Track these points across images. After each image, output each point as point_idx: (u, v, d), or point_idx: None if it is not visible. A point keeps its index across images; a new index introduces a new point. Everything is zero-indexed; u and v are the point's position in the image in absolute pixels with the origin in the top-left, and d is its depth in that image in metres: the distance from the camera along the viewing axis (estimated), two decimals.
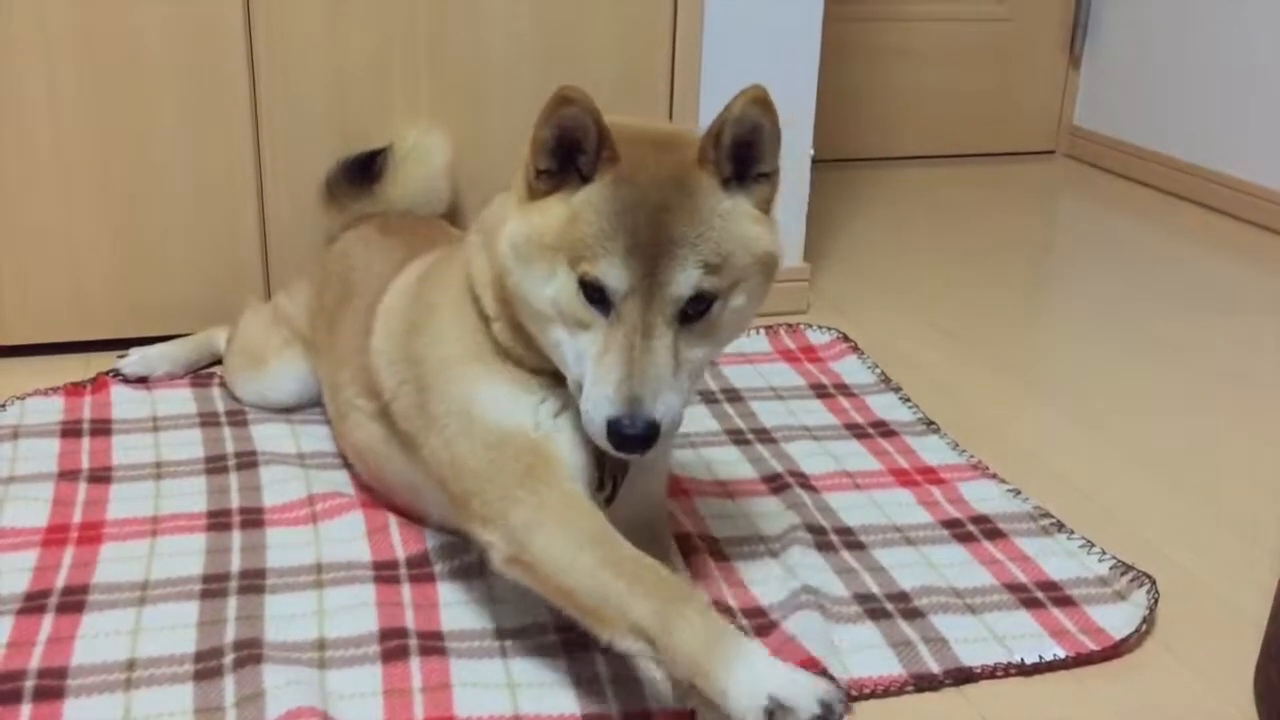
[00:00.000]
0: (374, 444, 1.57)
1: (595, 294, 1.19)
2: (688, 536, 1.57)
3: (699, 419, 1.92)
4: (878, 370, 2.15)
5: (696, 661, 1.11)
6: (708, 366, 1.28)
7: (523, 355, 1.32)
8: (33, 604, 1.40)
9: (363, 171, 2.01)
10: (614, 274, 1.18)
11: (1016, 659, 1.37)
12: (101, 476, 1.69)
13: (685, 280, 1.19)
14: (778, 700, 1.07)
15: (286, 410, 1.88)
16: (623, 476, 1.35)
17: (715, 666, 1.10)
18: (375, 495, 1.65)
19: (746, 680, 1.08)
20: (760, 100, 1.21)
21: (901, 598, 1.47)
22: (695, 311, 1.21)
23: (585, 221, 1.20)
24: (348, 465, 1.74)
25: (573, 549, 1.21)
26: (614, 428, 1.17)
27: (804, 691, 1.08)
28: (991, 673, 1.35)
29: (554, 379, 1.30)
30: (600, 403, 1.17)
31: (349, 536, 1.55)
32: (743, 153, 1.23)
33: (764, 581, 1.49)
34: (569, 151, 1.22)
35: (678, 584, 1.19)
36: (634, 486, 1.38)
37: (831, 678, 1.29)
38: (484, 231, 1.34)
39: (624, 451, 1.19)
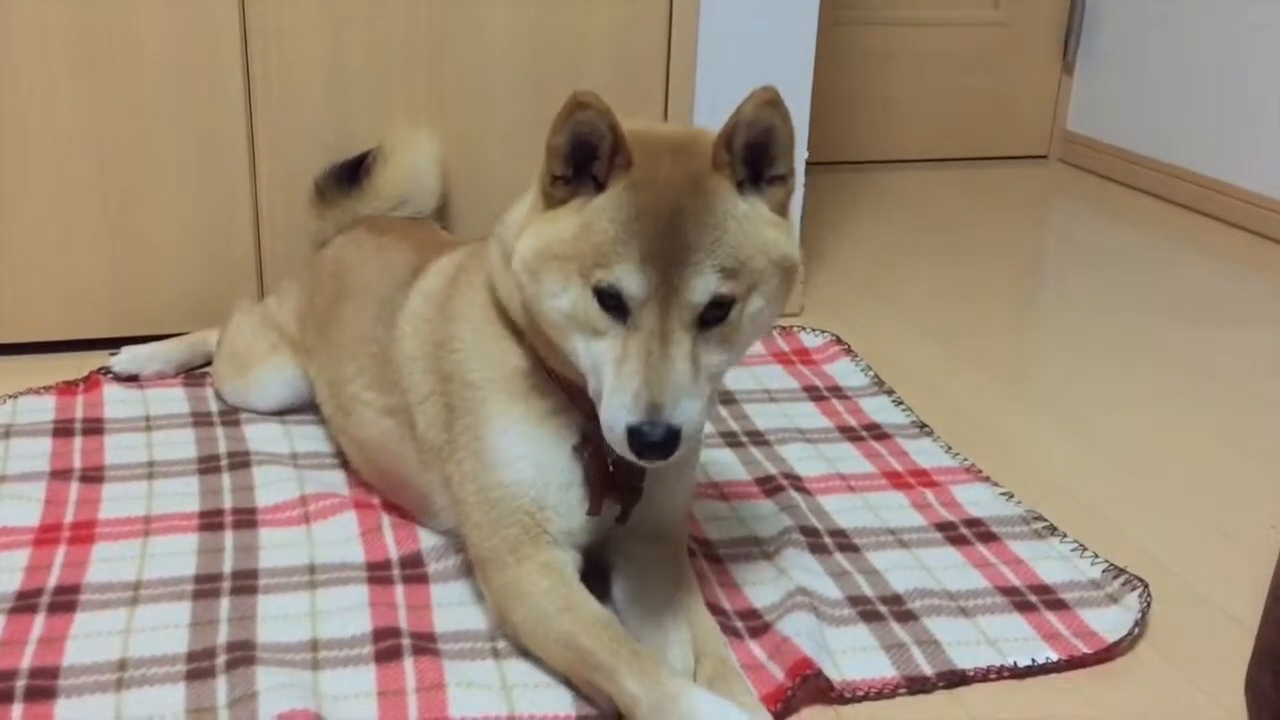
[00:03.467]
0: (386, 442, 1.57)
1: (611, 301, 1.18)
2: (686, 539, 1.57)
3: None
4: (871, 373, 2.15)
5: None
6: (728, 371, 1.27)
7: (557, 366, 1.31)
8: (24, 603, 1.39)
9: (352, 173, 2.01)
10: (630, 280, 1.17)
11: (1009, 662, 1.37)
12: (94, 476, 1.68)
13: (702, 286, 1.17)
14: None
15: (272, 415, 1.87)
16: (635, 500, 1.36)
17: None
18: (373, 492, 1.65)
19: None
20: (772, 102, 1.20)
21: (895, 600, 1.47)
22: (713, 317, 1.19)
23: (599, 229, 1.19)
24: (342, 465, 1.74)
25: (541, 623, 1.29)
26: (634, 435, 1.15)
27: None
28: (984, 675, 1.35)
29: (586, 398, 1.27)
30: (619, 411, 1.16)
31: (342, 537, 1.55)
32: (756, 155, 1.22)
33: (758, 584, 1.49)
34: (584, 157, 1.21)
35: (629, 654, 1.22)
36: (651, 506, 1.39)
37: (826, 680, 1.29)
38: (502, 241, 1.33)
39: (645, 459, 1.17)
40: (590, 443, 1.31)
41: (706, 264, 1.17)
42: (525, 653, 1.33)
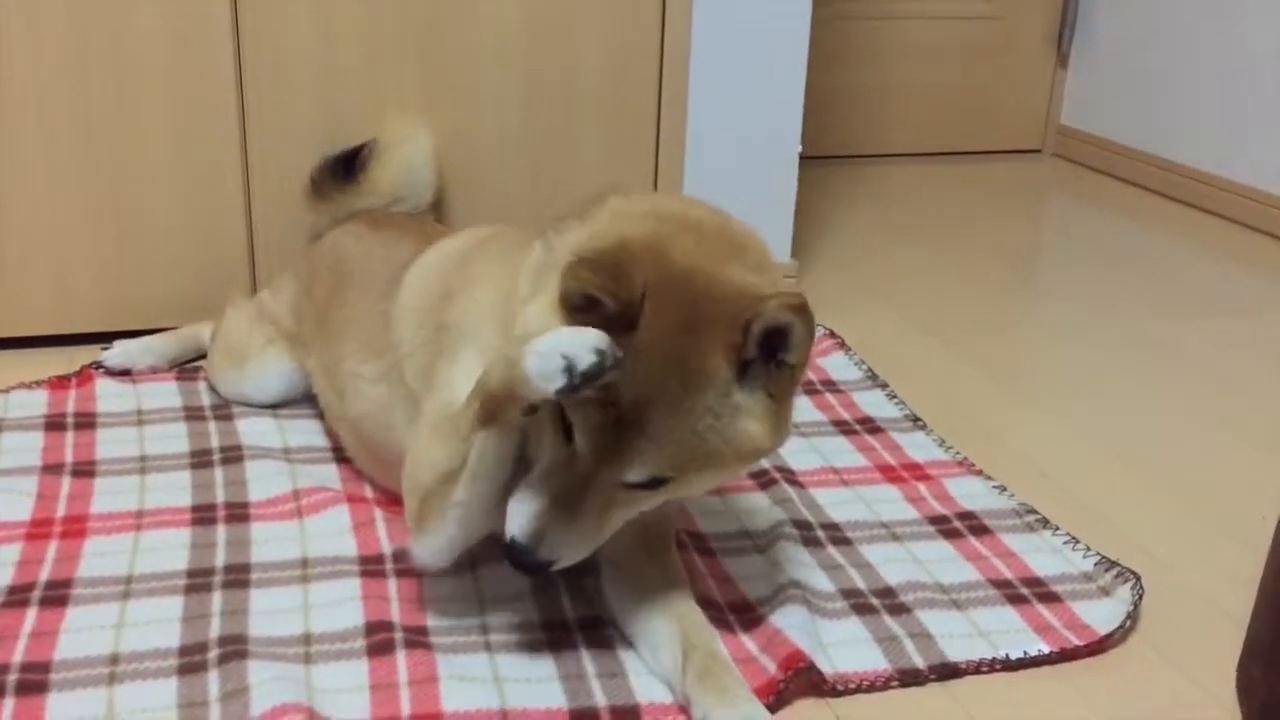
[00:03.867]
0: (374, 411, 1.56)
1: (564, 425, 1.18)
2: (675, 532, 1.57)
3: None
4: (865, 367, 2.15)
5: (509, 380, 1.15)
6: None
7: None
8: (16, 598, 1.39)
9: (347, 166, 2.01)
10: (581, 439, 1.17)
11: (1001, 654, 1.37)
12: (86, 470, 1.68)
13: (641, 473, 1.17)
14: (569, 358, 1.09)
15: (267, 408, 1.87)
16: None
17: (516, 366, 1.13)
18: (365, 485, 1.65)
19: (537, 345, 1.11)
20: (797, 308, 1.14)
21: (887, 593, 1.47)
22: (647, 485, 1.19)
23: None
24: (336, 459, 1.73)
25: (436, 442, 1.28)
26: (511, 546, 1.20)
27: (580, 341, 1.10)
28: (976, 668, 1.36)
29: None
30: (514, 516, 1.20)
31: (334, 531, 1.55)
32: (773, 340, 1.17)
33: (750, 577, 1.49)
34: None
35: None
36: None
37: (819, 672, 1.29)
38: (551, 250, 1.28)
39: (515, 567, 1.21)
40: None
41: (655, 458, 1.16)
42: (522, 646, 1.32)
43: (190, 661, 1.29)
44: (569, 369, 1.08)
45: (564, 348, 1.09)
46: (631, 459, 1.16)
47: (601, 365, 1.09)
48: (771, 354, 1.17)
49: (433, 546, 1.31)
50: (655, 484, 1.19)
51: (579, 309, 1.14)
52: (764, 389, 1.18)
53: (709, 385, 1.15)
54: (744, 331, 1.14)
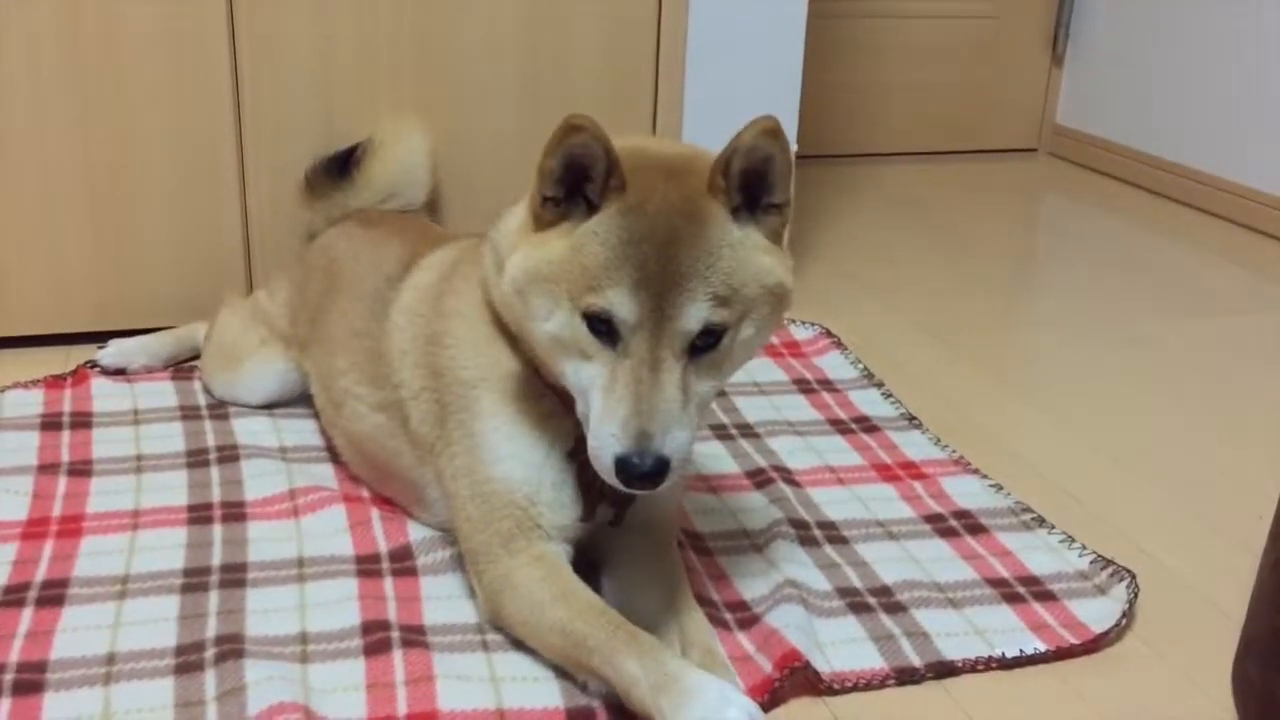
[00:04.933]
0: (379, 436, 1.56)
1: (602, 326, 1.17)
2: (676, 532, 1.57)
3: None
4: (860, 366, 2.15)
5: (649, 710, 1.16)
6: (715, 396, 1.28)
7: (549, 372, 1.29)
8: (11, 598, 1.39)
9: (342, 165, 2.00)
10: (621, 306, 1.16)
11: (997, 653, 1.38)
12: (82, 470, 1.68)
13: (695, 314, 1.16)
14: None
15: (261, 409, 1.87)
16: (629, 505, 1.37)
17: (672, 713, 1.14)
18: (362, 485, 1.65)
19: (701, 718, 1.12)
20: (771, 131, 1.18)
21: (884, 592, 1.47)
22: (704, 344, 1.18)
23: (590, 253, 1.17)
24: (331, 459, 1.73)
25: (535, 612, 1.28)
26: (622, 465, 1.14)
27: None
28: (972, 666, 1.36)
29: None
30: (607, 440, 1.15)
31: (331, 530, 1.55)
32: (753, 182, 1.21)
33: (747, 576, 1.49)
34: (576, 179, 1.20)
35: (626, 636, 1.22)
36: (642, 510, 1.39)
37: (815, 671, 1.30)
38: (496, 247, 1.32)
39: (633, 488, 1.17)
40: (584, 449, 1.30)
41: (700, 291, 1.16)
42: (518, 645, 1.33)
43: (187, 661, 1.29)
44: None
45: None
46: (680, 306, 1.16)
47: None
48: (756, 200, 1.21)
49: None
50: (713, 337, 1.18)
51: (558, 195, 1.19)
52: (757, 229, 1.22)
53: (712, 220, 1.19)
54: (724, 172, 1.19)
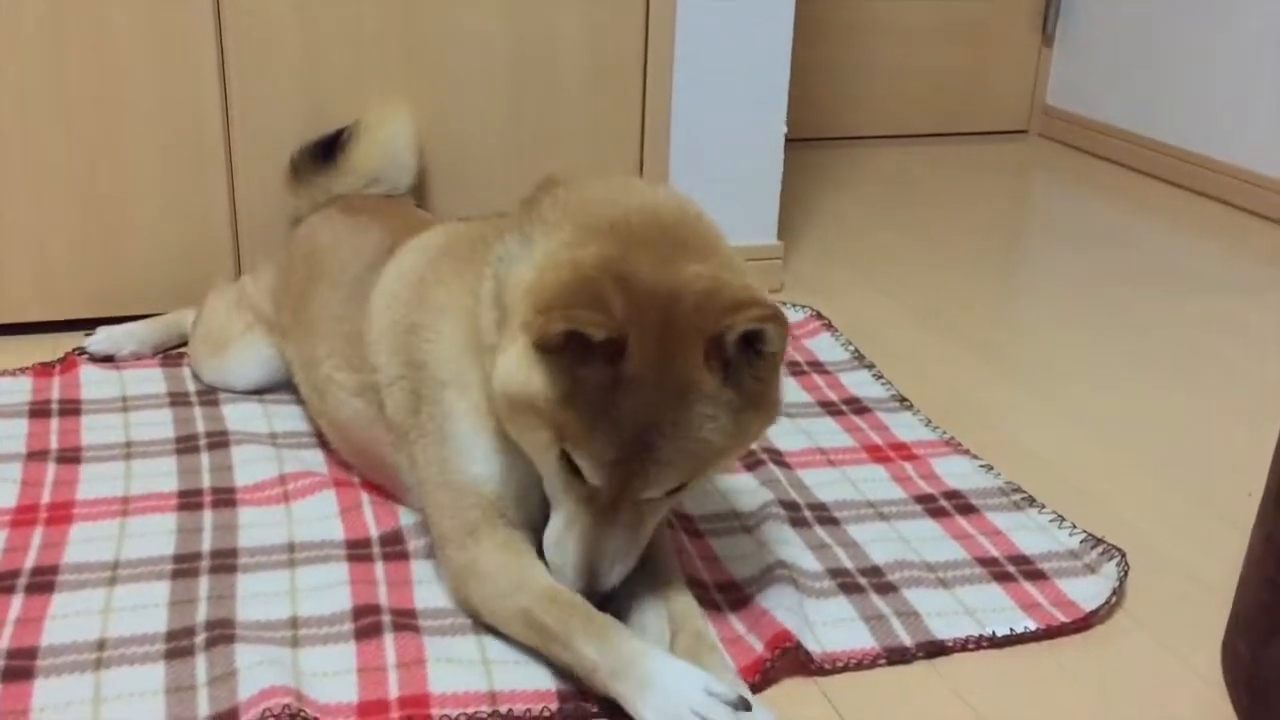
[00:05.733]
0: (358, 421, 1.56)
1: (574, 465, 1.21)
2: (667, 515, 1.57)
3: None
4: (851, 348, 2.15)
5: (617, 696, 1.18)
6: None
7: None
8: (1, 585, 1.38)
9: (327, 150, 2.00)
10: (593, 475, 1.19)
11: (988, 632, 1.38)
12: (70, 457, 1.67)
13: (659, 489, 1.21)
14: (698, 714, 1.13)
15: (249, 394, 1.87)
16: None
17: (630, 699, 1.16)
18: (352, 472, 1.64)
19: (659, 704, 1.14)
20: (769, 318, 1.15)
21: (874, 572, 1.48)
22: (669, 491, 1.24)
23: (578, 408, 1.16)
24: (321, 444, 1.73)
25: (499, 599, 1.30)
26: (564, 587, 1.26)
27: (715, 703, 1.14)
28: (963, 645, 1.36)
29: None
30: (560, 569, 1.26)
31: (321, 515, 1.54)
32: (750, 338, 1.17)
33: (738, 557, 1.49)
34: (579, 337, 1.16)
35: (582, 621, 1.23)
36: None
37: (806, 651, 1.30)
38: (499, 282, 1.28)
39: None
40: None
41: (669, 474, 1.20)
42: (491, 629, 1.33)
43: (177, 646, 1.29)
44: None
45: (695, 707, 1.13)
46: (647, 482, 1.20)
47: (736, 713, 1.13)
48: (750, 347, 1.19)
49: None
50: (676, 489, 1.24)
51: (561, 349, 1.14)
52: (750, 377, 1.20)
53: (701, 396, 1.17)
54: (719, 343, 1.16)
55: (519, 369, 1.19)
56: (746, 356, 1.19)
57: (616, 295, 1.14)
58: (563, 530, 1.25)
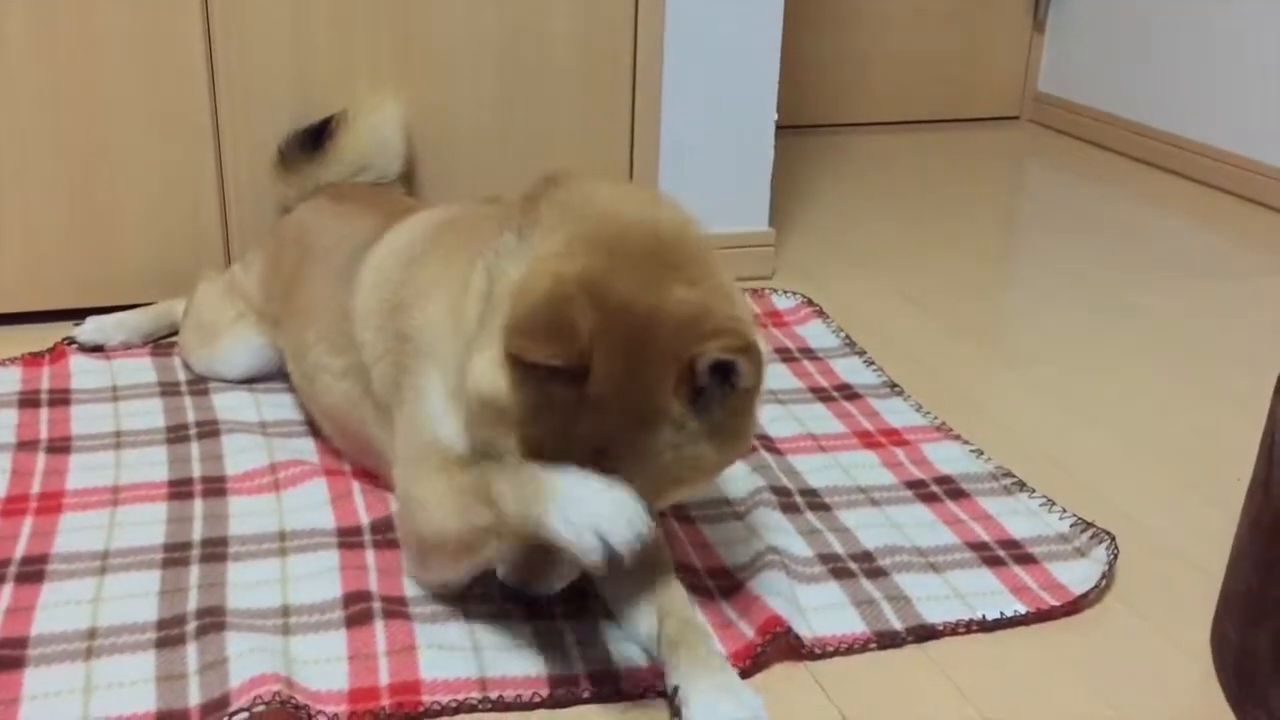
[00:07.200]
0: (346, 407, 1.56)
1: None
2: None
3: None
4: (842, 334, 2.15)
5: (535, 523, 1.13)
6: None
7: None
8: None
9: (315, 138, 1.99)
10: None
11: (979, 616, 1.38)
12: (60, 447, 1.67)
13: None
14: (599, 530, 1.10)
15: (240, 383, 1.86)
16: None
17: (541, 516, 1.12)
18: (343, 458, 1.65)
19: (564, 513, 1.11)
20: (741, 349, 1.14)
21: (865, 557, 1.48)
22: None
23: (540, 422, 1.15)
24: (312, 432, 1.73)
25: (443, 522, 1.28)
26: (503, 585, 1.26)
27: (619, 514, 1.10)
28: (954, 629, 1.36)
29: None
30: (504, 562, 1.25)
31: (312, 503, 1.54)
32: (723, 368, 1.15)
33: (729, 543, 1.50)
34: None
35: (494, 469, 1.20)
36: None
37: (797, 636, 1.30)
38: (491, 277, 1.26)
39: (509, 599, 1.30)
40: None
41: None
42: (501, 615, 1.33)
43: (168, 635, 1.29)
44: (603, 540, 1.09)
45: (597, 522, 1.09)
46: None
47: (638, 537, 1.09)
48: (724, 378, 1.16)
49: (439, 582, 1.36)
50: None
51: (529, 365, 1.12)
52: (720, 409, 1.17)
53: (665, 423, 1.15)
54: (690, 370, 1.14)
55: (491, 373, 1.18)
56: (720, 388, 1.16)
57: (588, 315, 1.12)
58: None
